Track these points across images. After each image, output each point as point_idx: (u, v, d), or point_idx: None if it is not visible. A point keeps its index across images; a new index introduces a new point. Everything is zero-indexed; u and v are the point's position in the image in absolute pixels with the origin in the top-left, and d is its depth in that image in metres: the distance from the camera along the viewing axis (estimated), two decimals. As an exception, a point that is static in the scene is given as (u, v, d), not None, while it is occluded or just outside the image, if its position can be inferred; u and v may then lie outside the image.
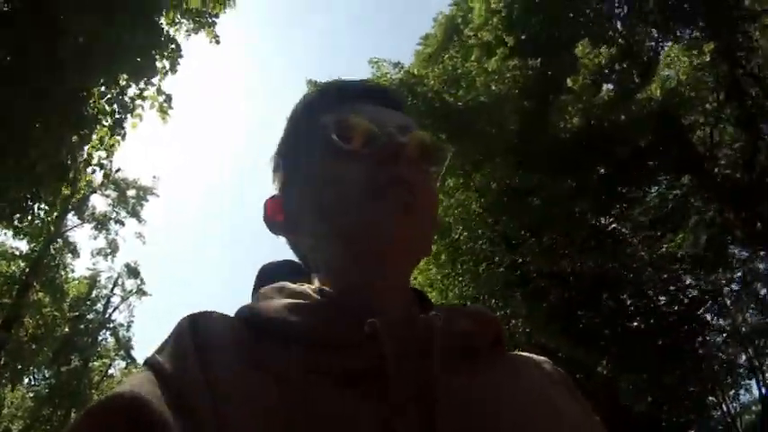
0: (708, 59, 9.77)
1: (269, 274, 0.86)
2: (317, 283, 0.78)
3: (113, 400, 0.61)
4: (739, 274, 13.08)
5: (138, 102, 8.51)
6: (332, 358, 0.66)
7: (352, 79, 0.90)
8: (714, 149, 12.34)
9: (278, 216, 0.86)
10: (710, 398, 13.75)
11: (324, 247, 0.79)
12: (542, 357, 0.86)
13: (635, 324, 11.12)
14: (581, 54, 9.86)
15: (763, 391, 14.57)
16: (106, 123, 8.17)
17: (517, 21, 11.94)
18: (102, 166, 8.66)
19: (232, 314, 0.75)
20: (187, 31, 9.52)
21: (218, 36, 9.67)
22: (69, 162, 7.72)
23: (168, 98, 8.89)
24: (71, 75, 6.85)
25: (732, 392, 15.29)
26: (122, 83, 8.15)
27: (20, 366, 17.45)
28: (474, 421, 0.65)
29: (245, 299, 0.81)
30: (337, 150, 0.78)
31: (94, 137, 8.26)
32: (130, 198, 19.62)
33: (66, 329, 18.75)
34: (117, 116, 8.28)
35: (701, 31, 12.42)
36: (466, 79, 10.51)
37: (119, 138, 8.47)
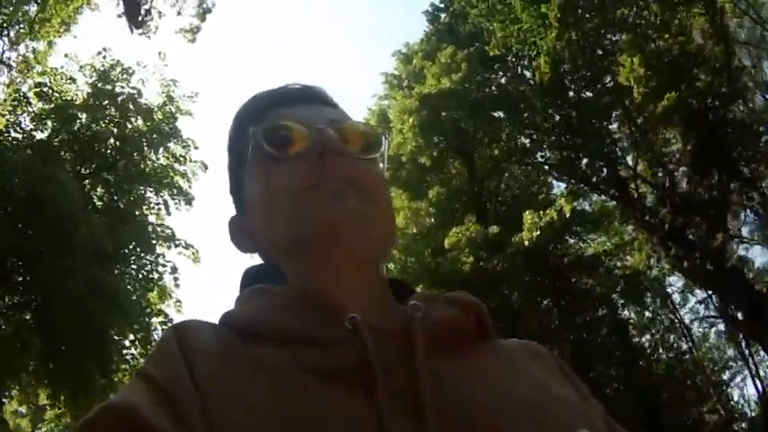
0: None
1: (254, 277, 0.84)
2: (293, 284, 0.78)
3: (108, 410, 0.62)
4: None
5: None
6: (316, 356, 0.66)
7: (276, 87, 0.89)
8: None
9: (240, 235, 0.86)
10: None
11: (279, 253, 0.80)
12: (532, 342, 0.85)
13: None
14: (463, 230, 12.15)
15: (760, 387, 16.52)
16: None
17: (427, 145, 14.06)
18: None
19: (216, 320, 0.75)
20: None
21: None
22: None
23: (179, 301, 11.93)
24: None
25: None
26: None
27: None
28: (463, 408, 0.64)
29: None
30: (268, 158, 0.78)
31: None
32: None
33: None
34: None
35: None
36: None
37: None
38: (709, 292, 15.74)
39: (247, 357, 0.66)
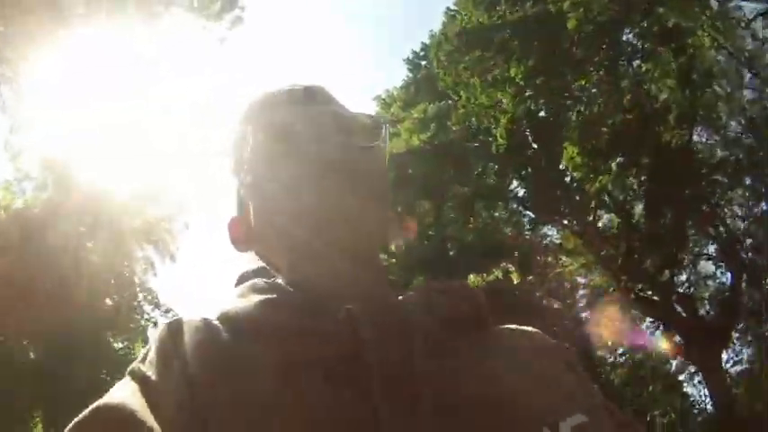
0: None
1: (247, 281, 0.84)
2: (287, 278, 0.79)
3: (99, 411, 0.62)
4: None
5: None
6: (310, 348, 0.66)
7: (277, 89, 0.90)
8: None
9: (242, 234, 0.87)
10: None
11: (284, 245, 0.81)
12: (533, 329, 0.83)
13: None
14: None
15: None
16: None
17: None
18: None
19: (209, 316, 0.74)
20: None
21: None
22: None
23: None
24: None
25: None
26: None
27: None
28: (459, 401, 0.64)
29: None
30: (269, 153, 0.81)
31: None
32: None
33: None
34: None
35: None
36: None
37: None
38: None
39: (240, 354, 0.66)
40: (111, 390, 0.67)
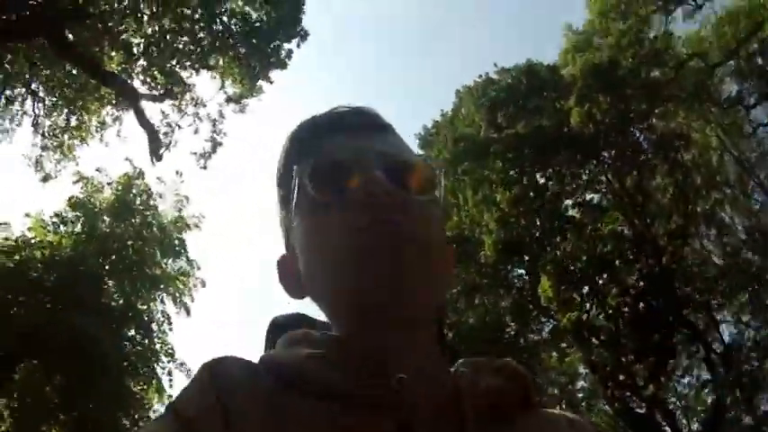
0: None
1: (280, 327, 0.85)
2: (340, 336, 0.76)
3: None
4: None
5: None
6: (356, 415, 0.66)
7: (324, 112, 0.86)
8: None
9: (289, 278, 0.84)
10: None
11: (327, 304, 0.79)
12: (575, 416, 0.84)
13: None
14: None
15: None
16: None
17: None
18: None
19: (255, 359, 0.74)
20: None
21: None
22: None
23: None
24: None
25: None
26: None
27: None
28: None
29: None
30: (314, 202, 0.77)
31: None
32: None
33: None
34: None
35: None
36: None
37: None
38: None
39: (283, 405, 0.67)
40: (148, 423, 0.71)
